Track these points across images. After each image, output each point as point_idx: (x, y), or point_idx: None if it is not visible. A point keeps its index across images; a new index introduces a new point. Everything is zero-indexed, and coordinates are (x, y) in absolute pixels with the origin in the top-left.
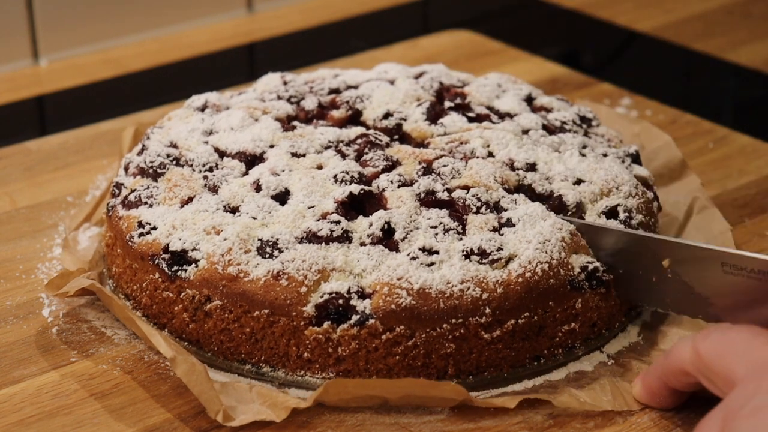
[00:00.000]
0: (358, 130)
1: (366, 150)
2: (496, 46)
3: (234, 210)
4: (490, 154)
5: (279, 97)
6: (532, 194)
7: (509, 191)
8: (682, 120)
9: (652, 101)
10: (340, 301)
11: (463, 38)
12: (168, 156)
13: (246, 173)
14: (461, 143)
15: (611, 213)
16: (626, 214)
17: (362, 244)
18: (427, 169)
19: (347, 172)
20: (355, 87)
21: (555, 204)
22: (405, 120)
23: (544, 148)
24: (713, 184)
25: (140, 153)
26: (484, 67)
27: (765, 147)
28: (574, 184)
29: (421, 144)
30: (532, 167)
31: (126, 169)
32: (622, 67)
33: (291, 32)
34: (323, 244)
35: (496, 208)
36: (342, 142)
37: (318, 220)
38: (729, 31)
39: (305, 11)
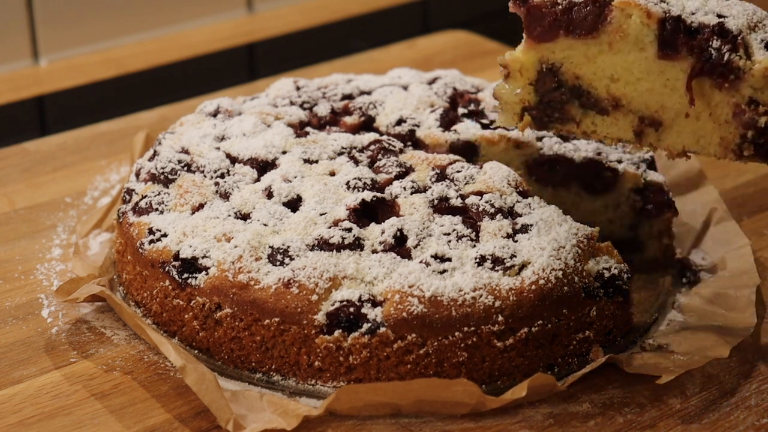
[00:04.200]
0: (372, 136)
1: (379, 156)
2: (493, 46)
3: (245, 217)
4: None
5: (291, 103)
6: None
7: (523, 195)
8: None
9: None
10: (352, 309)
11: (461, 38)
12: (179, 162)
13: (258, 180)
14: None
15: None
16: None
17: (374, 251)
18: (441, 175)
19: (360, 179)
20: (368, 93)
21: None
22: (418, 126)
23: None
24: (712, 183)
25: (151, 158)
26: (482, 68)
27: None
28: None
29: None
30: None
31: (137, 174)
32: None
33: (291, 32)
34: (335, 251)
35: (511, 213)
36: (355, 148)
37: (330, 227)
38: None
39: (305, 11)
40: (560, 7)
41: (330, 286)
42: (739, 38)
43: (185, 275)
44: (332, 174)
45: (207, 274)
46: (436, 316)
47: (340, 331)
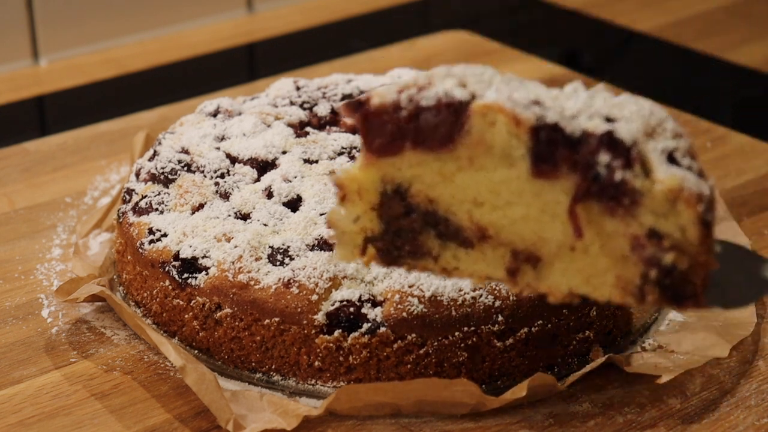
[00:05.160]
0: None
1: None
2: (494, 46)
3: (245, 217)
4: None
5: (292, 103)
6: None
7: None
8: (680, 119)
9: (650, 99)
10: (351, 309)
11: (461, 39)
12: (179, 162)
13: (258, 180)
14: None
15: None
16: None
17: None
18: None
19: None
20: None
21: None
22: None
23: None
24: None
25: (151, 158)
26: None
27: (763, 146)
28: None
29: None
30: None
31: (137, 174)
32: (621, 66)
33: (291, 32)
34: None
35: None
36: (355, 148)
37: (329, 228)
38: (728, 31)
39: (305, 11)
40: (405, 112)
41: (330, 286)
42: (633, 150)
43: (185, 275)
44: (332, 174)
45: (207, 274)
46: (436, 316)
47: (340, 331)
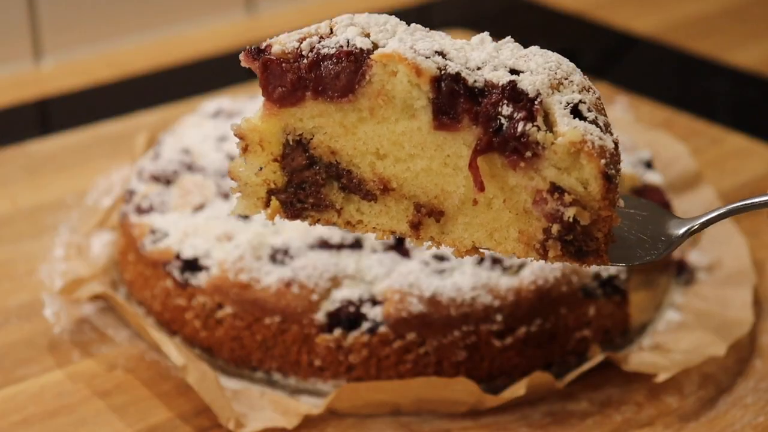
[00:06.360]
0: None
1: None
2: None
3: (246, 217)
4: None
5: None
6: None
7: None
8: (678, 120)
9: (648, 101)
10: (352, 309)
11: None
12: (181, 162)
13: None
14: None
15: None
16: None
17: (374, 251)
18: None
19: None
20: None
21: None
22: None
23: None
24: (709, 184)
25: (153, 159)
26: None
27: (759, 147)
28: None
29: None
30: None
31: (139, 175)
32: (620, 67)
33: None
34: (335, 251)
35: None
36: None
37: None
38: (725, 33)
39: (305, 11)
40: (306, 61)
41: (330, 286)
42: (536, 102)
43: (186, 275)
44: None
45: (208, 273)
46: (436, 315)
47: (341, 330)
